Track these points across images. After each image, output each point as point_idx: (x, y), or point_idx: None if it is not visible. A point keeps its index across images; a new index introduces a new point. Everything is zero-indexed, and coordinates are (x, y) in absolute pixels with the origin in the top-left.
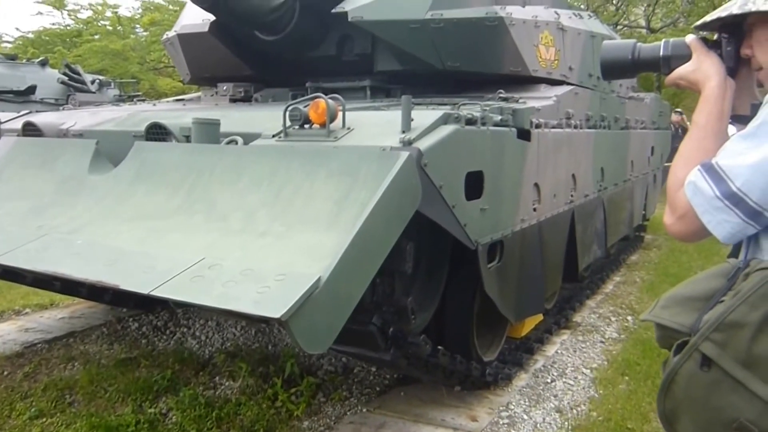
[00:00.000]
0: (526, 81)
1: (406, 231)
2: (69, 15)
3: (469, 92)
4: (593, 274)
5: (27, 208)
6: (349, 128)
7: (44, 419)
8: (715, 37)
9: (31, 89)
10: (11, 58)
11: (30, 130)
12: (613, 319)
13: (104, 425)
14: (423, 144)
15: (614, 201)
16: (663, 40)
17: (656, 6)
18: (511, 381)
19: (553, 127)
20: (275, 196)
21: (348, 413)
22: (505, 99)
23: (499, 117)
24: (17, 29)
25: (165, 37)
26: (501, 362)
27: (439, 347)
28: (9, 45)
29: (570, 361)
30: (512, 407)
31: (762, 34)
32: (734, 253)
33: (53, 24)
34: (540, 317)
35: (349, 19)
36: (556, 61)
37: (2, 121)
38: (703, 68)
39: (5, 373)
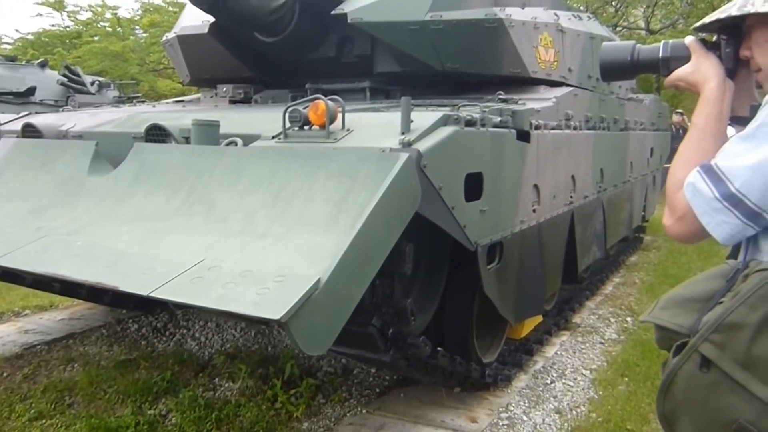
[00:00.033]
0: (526, 82)
1: (405, 232)
2: (69, 16)
3: (468, 94)
4: (593, 275)
5: (26, 210)
6: (348, 130)
7: (44, 421)
8: (714, 38)
9: (31, 91)
10: (11, 59)
11: (29, 131)
12: (612, 320)
13: (104, 427)
14: (422, 145)
15: (614, 202)
16: (662, 41)
17: (655, 7)
18: (510, 382)
19: (553, 129)
20: (275, 198)
21: (348, 414)
22: (504, 100)
23: (499, 118)
24: (17, 30)
25: (164, 38)
26: (500, 363)
27: (439, 348)
28: (8, 46)
29: (569, 363)
30: (512, 408)
31: (761, 36)
32: (733, 255)
33: (53, 25)
34: (539, 318)
35: (349, 21)
36: (555, 63)
37: (2, 122)
38: (702, 70)
39: (5, 374)
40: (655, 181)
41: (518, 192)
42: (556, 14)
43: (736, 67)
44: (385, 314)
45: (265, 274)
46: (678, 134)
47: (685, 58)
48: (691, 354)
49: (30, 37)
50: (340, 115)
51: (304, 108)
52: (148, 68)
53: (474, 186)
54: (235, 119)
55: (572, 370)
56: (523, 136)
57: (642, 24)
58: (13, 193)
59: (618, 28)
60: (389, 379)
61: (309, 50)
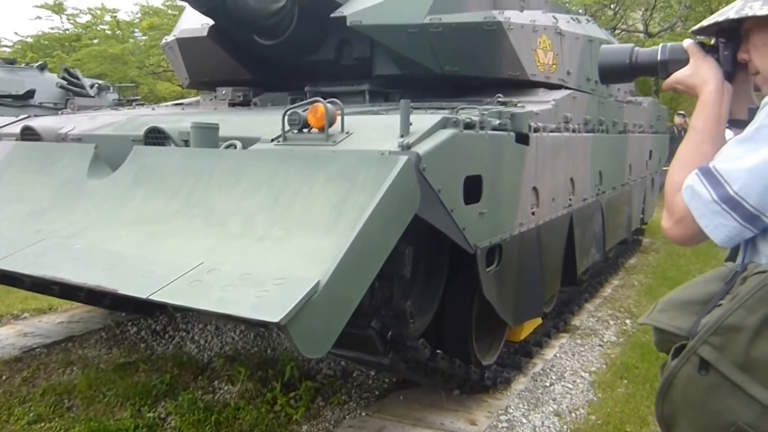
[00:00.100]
0: (525, 85)
1: (404, 235)
2: (68, 19)
3: (467, 96)
4: (592, 277)
5: (25, 213)
6: (347, 132)
7: (43, 424)
8: (713, 41)
9: (30, 93)
10: (10, 62)
11: (28, 134)
12: (611, 322)
13: (103, 430)
14: (422, 148)
15: (612, 205)
16: (660, 44)
17: (654, 11)
18: (509, 385)
19: (552, 131)
20: (274, 201)
21: (347, 417)
22: (503, 103)
23: (498, 121)
24: (16, 33)
25: (164, 41)
26: (500, 366)
27: (438, 351)
28: (8, 49)
29: (569, 365)
30: (511, 411)
31: (759, 39)
32: (732, 257)
33: (52, 28)
34: (539, 321)
35: (348, 24)
36: (554, 66)
37: (1, 125)
38: (701, 73)
39: (4, 377)
40: (653, 183)
41: (517, 194)
42: (554, 17)
43: (734, 70)
44: (384, 317)
45: (265, 276)
46: (680, 136)
47: (683, 61)
48: (689, 356)
49: (29, 40)
50: (339, 118)
51: (304, 111)
52: (148, 71)
53: (473, 189)
54: (234, 122)
55: (571, 372)
56: (522, 138)
57: (640, 27)
58: (12, 196)
59: (616, 31)
60: (388, 381)
61: (308, 53)
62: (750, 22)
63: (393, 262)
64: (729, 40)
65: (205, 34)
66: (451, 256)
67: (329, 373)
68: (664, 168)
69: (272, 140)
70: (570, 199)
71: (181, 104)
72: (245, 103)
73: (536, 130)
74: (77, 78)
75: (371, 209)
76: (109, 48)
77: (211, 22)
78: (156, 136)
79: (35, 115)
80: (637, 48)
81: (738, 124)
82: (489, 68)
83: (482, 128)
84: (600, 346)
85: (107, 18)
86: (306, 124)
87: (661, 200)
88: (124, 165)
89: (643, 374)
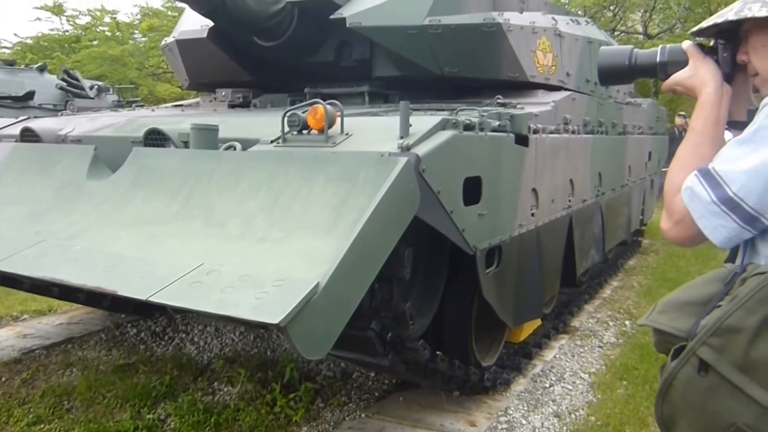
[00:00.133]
0: (524, 86)
1: (404, 236)
2: (67, 21)
3: (467, 98)
4: (591, 278)
5: (25, 214)
6: (347, 134)
7: (42, 425)
8: (712, 43)
9: (30, 95)
10: (9, 63)
11: (28, 135)
12: (611, 323)
13: (102, 431)
14: (421, 150)
15: (612, 206)
16: (660, 46)
17: (653, 12)
18: (509, 386)
19: (551, 133)
20: (273, 202)
21: (347, 419)
22: (503, 104)
23: (497, 122)
24: (16, 35)
25: (163, 42)
26: (499, 367)
27: (438, 352)
28: (7, 51)
29: (568, 366)
30: (511, 412)
31: (758, 41)
32: (731, 258)
33: (52, 30)
34: (538, 322)
35: (348, 25)
36: (553, 67)
37: (0, 126)
38: (700, 74)
39: (3, 379)
40: (653, 184)
41: (517, 196)
42: (554, 19)
43: (733, 72)
44: (384, 318)
45: (264, 278)
46: (681, 136)
47: (682, 63)
48: (689, 358)
49: (29, 41)
50: (338, 120)
51: (303, 112)
52: (147, 72)
53: (473, 190)
54: (233, 123)
55: (571, 373)
56: (522, 140)
57: (640, 28)
58: (11, 197)
59: (616, 33)
60: (388, 383)
61: (308, 54)
62: (749, 23)
63: (392, 263)
64: (728, 42)
65: (204, 35)
66: (451, 257)
67: (329, 375)
68: (664, 169)
69: (272, 142)
70: (569, 201)
71: (180, 106)
72: (245, 105)
73: (536, 132)
74: (77, 79)
75: (371, 211)
76: (109, 49)
77: (210, 23)
78: (156, 138)
79: (35, 117)
80: (636, 49)
81: (737, 125)
82: (488, 70)
83: (482, 129)
84: (599, 347)
85: (107, 19)
86: (305, 126)
87: (660, 201)
88: (123, 166)
89: (643, 375)
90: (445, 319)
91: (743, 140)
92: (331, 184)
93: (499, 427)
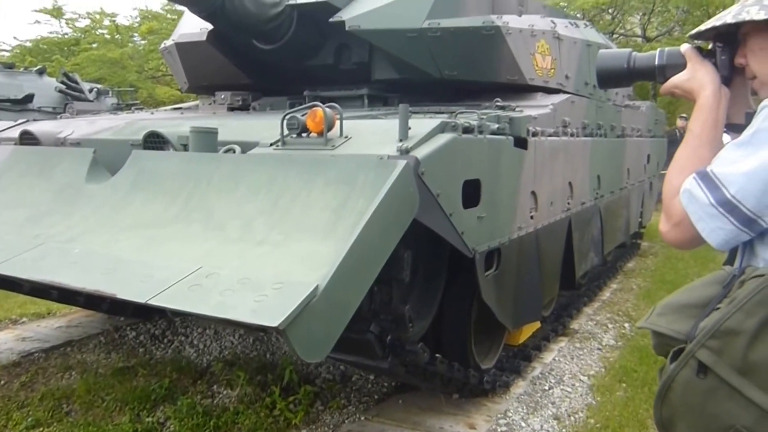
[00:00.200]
0: (523, 89)
1: (403, 239)
2: (67, 24)
3: (466, 101)
4: (590, 281)
5: (24, 217)
6: (346, 137)
7: (41, 429)
8: (710, 46)
9: (29, 98)
10: (9, 66)
11: (27, 138)
12: (610, 326)
13: None
14: (420, 152)
15: (611, 209)
16: (658, 49)
17: (651, 15)
18: (508, 388)
19: (550, 136)
20: (273, 205)
21: (346, 421)
22: (502, 107)
23: (496, 125)
24: (15, 38)
25: (163, 45)
26: (499, 370)
27: (437, 355)
28: (6, 53)
29: (567, 369)
30: (510, 415)
31: (756, 44)
32: (730, 261)
33: (51, 33)
34: (537, 325)
35: (347, 28)
36: (552, 70)
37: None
38: (698, 77)
39: (2, 382)
40: (651, 187)
41: (516, 198)
42: (552, 22)
43: (731, 75)
44: (383, 321)
45: (263, 281)
46: (681, 138)
47: (680, 66)
48: (688, 360)
49: (28, 44)
50: (338, 123)
51: (302, 115)
52: (147, 75)
53: (472, 193)
54: (233, 126)
55: (570, 376)
56: (521, 143)
57: (638, 31)
58: (10, 200)
59: (614, 36)
60: (388, 385)
61: (307, 57)
62: (747, 26)
63: (392, 266)
64: (726, 45)
65: (204, 38)
66: (450, 260)
67: (328, 378)
68: (662, 172)
69: (271, 145)
70: (568, 203)
71: (180, 108)
72: (244, 108)
73: (534, 135)
74: (76, 82)
75: (370, 213)
76: (108, 52)
77: (210, 26)
78: (155, 141)
79: (34, 120)
80: (635, 52)
81: (735, 128)
82: (487, 73)
83: (481, 132)
84: (599, 349)
85: (106, 22)
86: (305, 129)
87: (659, 204)
88: (122, 169)
89: (642, 378)
90: (444, 322)
91: (741, 143)
92: (331, 187)
93: (499, 430)
